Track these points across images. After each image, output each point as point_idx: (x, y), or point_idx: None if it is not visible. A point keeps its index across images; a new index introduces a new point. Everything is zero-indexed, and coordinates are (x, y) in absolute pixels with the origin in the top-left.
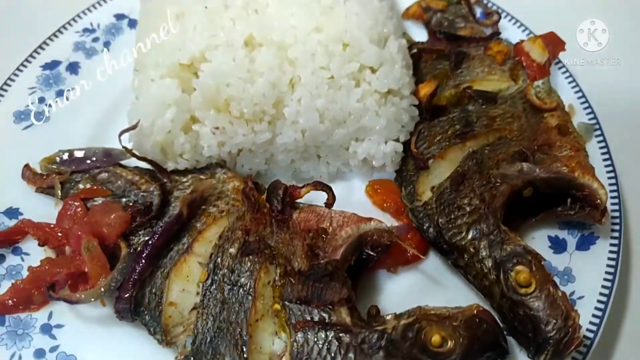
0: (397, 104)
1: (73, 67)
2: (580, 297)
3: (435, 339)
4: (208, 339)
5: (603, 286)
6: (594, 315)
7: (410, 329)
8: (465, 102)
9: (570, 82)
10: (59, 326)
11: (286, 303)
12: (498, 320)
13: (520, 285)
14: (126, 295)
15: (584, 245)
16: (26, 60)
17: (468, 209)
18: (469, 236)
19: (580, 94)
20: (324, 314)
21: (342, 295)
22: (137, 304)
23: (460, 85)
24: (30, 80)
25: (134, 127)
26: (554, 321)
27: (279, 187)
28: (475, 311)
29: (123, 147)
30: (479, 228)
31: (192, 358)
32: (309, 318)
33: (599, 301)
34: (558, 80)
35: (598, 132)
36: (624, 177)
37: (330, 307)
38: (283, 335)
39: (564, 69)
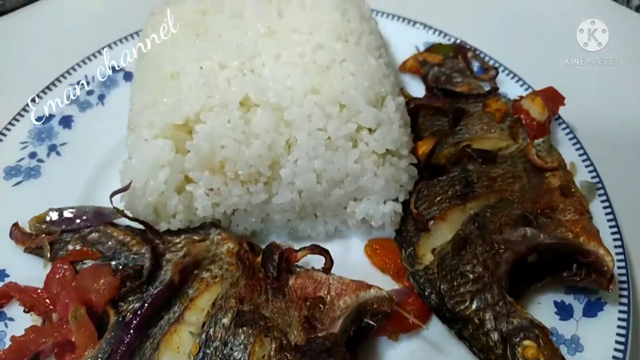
0: (396, 163)
1: (66, 121)
2: None
3: None
4: None
5: (614, 357)
6: None
7: None
8: (464, 161)
9: (571, 139)
10: None
11: None
12: None
13: None
14: None
15: (591, 311)
16: (18, 114)
17: (471, 276)
18: (473, 306)
19: (581, 151)
20: None
21: None
22: None
23: (459, 143)
24: (22, 134)
25: (125, 189)
26: None
27: (275, 251)
28: None
29: (114, 208)
30: (484, 298)
31: None
32: None
33: None
34: (558, 136)
35: (601, 191)
36: (629, 237)
37: None
38: None
39: (564, 125)
